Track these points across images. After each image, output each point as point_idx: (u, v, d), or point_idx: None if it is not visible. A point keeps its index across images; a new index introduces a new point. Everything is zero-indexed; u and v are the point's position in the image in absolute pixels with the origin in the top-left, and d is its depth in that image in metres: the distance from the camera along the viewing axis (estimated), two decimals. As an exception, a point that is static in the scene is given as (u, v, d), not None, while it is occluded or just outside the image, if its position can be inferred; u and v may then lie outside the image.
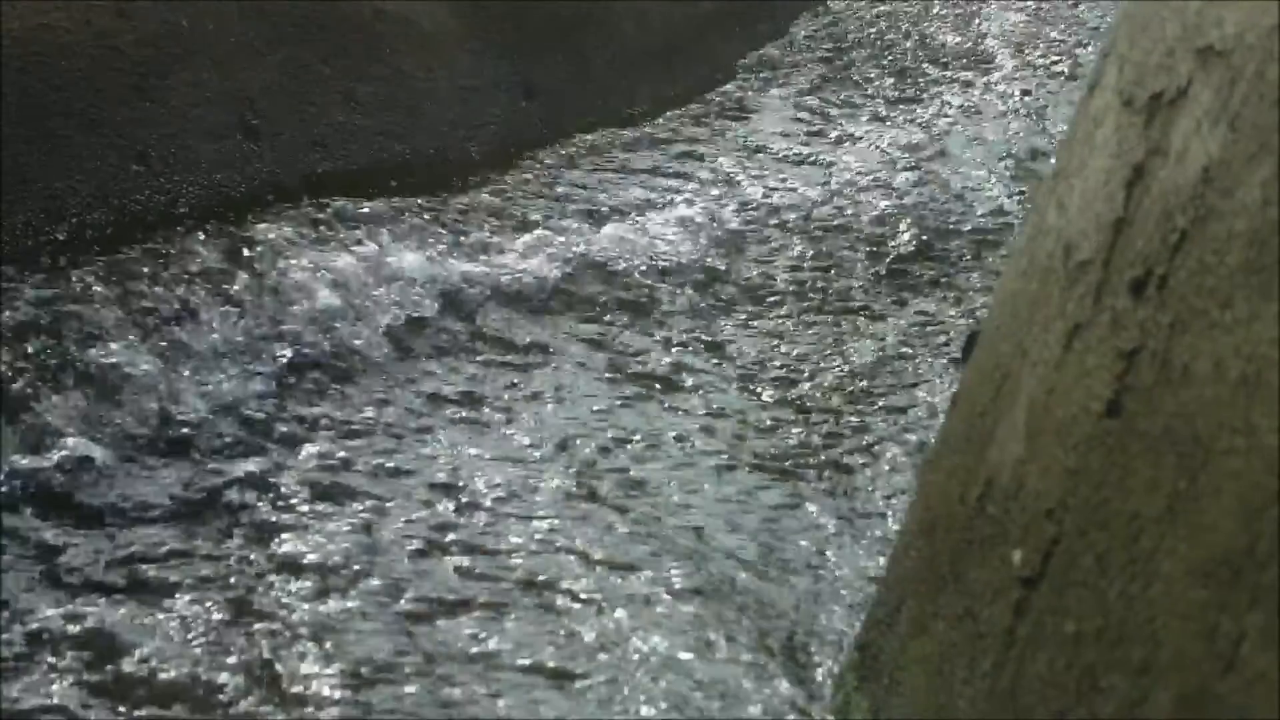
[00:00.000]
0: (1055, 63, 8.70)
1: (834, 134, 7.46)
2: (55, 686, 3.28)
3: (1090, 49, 8.60)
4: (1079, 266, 2.55)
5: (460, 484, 4.18)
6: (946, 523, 2.80)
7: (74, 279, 4.60)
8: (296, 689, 3.32)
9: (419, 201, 5.61)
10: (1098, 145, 2.66)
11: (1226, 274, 2.13)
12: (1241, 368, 2.03)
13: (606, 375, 4.91)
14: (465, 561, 3.83)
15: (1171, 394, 2.17)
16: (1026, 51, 8.88)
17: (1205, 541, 1.99)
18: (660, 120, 7.26)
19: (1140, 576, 2.11)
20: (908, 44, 8.91)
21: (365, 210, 5.38)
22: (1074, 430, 2.41)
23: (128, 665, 3.38)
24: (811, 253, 6.01)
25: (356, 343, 4.80)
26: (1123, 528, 2.18)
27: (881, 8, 9.41)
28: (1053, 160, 2.98)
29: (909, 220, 6.34)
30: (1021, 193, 6.72)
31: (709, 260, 5.84)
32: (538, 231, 5.64)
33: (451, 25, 6.22)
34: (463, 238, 5.46)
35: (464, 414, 4.59)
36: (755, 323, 5.43)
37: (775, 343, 5.28)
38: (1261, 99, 2.17)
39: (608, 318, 5.32)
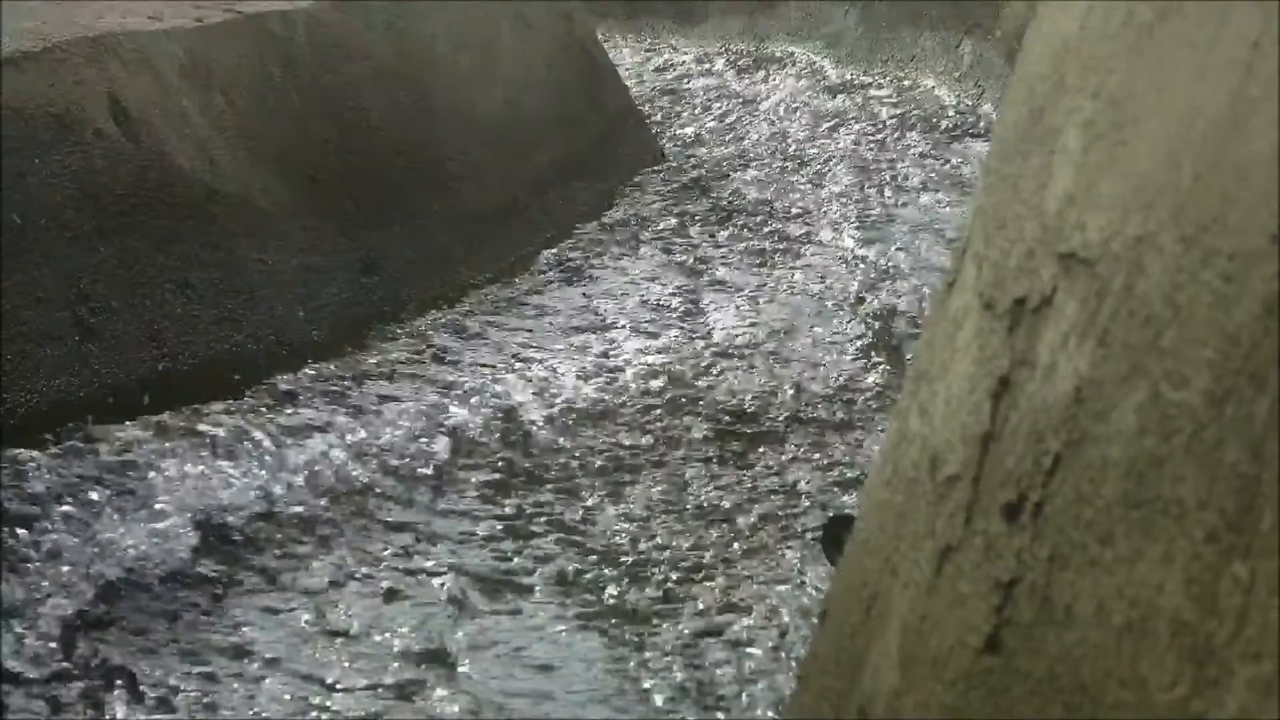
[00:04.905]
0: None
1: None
2: None
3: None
4: (947, 481, 2.41)
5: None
6: (821, 752, 2.63)
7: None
8: None
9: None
10: (959, 349, 2.53)
11: (1104, 506, 1.99)
12: (1126, 613, 1.89)
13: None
14: None
15: (1055, 634, 2.02)
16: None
17: (1102, 810, 1.84)
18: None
19: (1034, 842, 1.95)
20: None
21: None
22: (951, 664, 2.25)
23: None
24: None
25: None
26: (1011, 783, 2.03)
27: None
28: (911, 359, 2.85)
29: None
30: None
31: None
32: None
33: (287, 201, 6.04)
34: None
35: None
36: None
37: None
38: (1131, 316, 2.05)
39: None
